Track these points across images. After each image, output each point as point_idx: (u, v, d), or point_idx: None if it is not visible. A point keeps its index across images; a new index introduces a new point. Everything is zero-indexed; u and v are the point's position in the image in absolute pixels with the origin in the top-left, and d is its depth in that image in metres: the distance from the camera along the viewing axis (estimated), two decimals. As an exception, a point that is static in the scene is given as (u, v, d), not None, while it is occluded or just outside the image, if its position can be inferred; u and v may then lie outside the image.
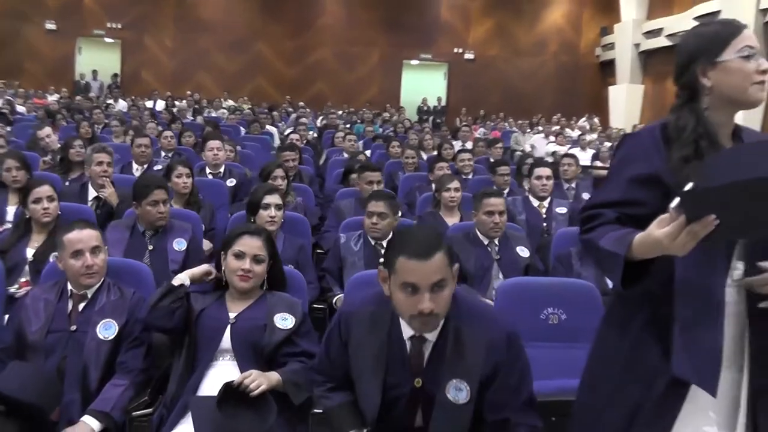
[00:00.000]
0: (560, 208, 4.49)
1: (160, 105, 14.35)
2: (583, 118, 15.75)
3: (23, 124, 9.06)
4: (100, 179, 4.13)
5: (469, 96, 18.29)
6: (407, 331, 1.78)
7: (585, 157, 9.41)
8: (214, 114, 12.95)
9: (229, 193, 4.95)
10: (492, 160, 7.19)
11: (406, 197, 5.26)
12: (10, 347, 2.29)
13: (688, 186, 1.21)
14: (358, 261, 3.37)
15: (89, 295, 2.35)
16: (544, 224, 4.40)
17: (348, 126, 11.38)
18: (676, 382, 1.45)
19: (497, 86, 18.63)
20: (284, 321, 2.24)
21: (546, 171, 4.57)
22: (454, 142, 8.57)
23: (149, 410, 2.20)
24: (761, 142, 1.37)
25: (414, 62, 19.12)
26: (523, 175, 5.95)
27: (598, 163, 9.13)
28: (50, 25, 17.35)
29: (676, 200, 1.23)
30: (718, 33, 1.50)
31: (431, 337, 1.77)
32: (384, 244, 3.38)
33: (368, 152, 7.83)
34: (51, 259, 2.89)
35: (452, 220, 4.12)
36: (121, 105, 13.71)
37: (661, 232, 1.27)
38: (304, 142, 8.42)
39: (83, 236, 2.35)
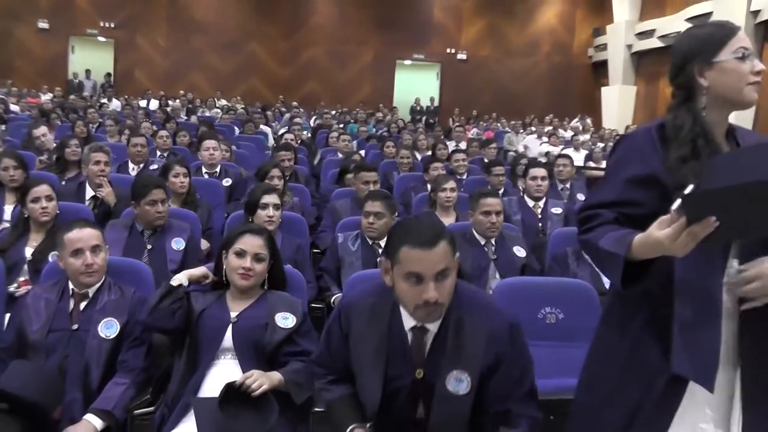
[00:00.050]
0: (555, 208, 4.53)
1: (154, 104, 14.28)
2: (576, 119, 15.77)
3: (17, 123, 9.01)
4: (97, 178, 4.13)
5: (461, 96, 18.34)
6: (408, 322, 1.77)
7: (578, 158, 9.43)
8: (207, 114, 12.93)
9: (225, 192, 4.96)
10: (486, 160, 7.22)
11: (402, 197, 5.26)
12: (11, 346, 2.30)
13: (689, 188, 1.23)
14: (356, 261, 3.39)
15: (90, 294, 2.36)
16: (540, 224, 4.44)
17: (341, 126, 11.38)
18: (675, 380, 1.46)
19: (489, 86, 18.69)
20: (285, 320, 2.26)
21: (541, 171, 4.60)
22: (447, 143, 8.60)
23: (151, 408, 2.21)
24: (761, 145, 1.39)
25: (407, 62, 19.15)
26: (518, 175, 5.96)
27: (592, 164, 9.18)
28: (42, 24, 17.28)
29: (678, 202, 1.25)
30: (713, 34, 1.53)
31: (433, 327, 1.76)
32: (381, 243, 3.40)
33: (362, 152, 7.83)
34: (50, 259, 2.91)
35: (448, 220, 4.14)
36: (115, 104, 13.67)
37: (662, 233, 1.29)
38: (299, 142, 8.42)
39: (83, 235, 2.36)
